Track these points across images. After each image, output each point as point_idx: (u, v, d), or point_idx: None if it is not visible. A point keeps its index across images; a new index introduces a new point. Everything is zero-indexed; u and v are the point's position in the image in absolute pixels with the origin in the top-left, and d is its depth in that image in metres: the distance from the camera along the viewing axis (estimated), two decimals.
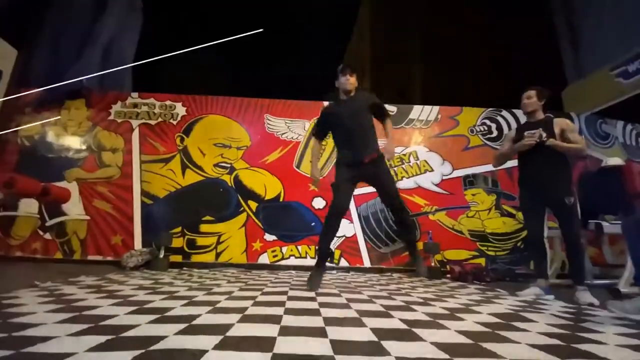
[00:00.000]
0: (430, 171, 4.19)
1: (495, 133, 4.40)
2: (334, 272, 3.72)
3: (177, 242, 3.84)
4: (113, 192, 4.00)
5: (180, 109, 4.34)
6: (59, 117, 4.25)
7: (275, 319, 1.40)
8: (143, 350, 0.98)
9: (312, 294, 2.10)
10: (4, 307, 1.45)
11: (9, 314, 1.34)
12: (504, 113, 4.48)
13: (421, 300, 1.97)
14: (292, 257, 3.86)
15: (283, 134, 4.29)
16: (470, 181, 4.16)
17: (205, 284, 2.42)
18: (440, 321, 1.45)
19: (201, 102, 4.38)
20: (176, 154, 4.16)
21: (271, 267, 3.78)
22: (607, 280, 3.01)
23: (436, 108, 4.47)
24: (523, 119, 4.35)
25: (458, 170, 4.21)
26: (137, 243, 3.85)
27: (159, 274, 3.03)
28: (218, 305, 1.64)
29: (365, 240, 3.94)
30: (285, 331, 1.23)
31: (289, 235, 3.94)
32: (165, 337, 1.11)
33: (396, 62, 12.43)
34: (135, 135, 4.21)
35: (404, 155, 4.24)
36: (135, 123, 4.26)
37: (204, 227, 3.92)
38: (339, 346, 1.09)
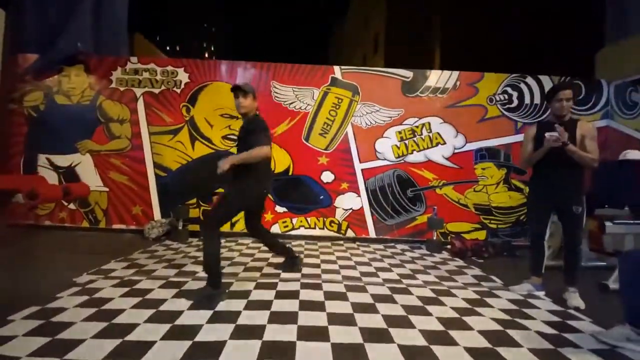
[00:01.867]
0: (442, 144, 4.09)
1: (515, 102, 4.13)
2: (341, 242, 3.96)
3: (194, 213, 4.07)
4: (127, 165, 4.10)
5: (183, 76, 4.13)
6: (60, 84, 4.13)
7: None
8: None
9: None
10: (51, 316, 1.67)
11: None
12: (529, 80, 4.14)
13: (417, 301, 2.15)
14: (302, 228, 4.09)
15: (291, 103, 4.12)
16: (482, 155, 4.08)
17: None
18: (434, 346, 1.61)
19: (204, 67, 4.14)
20: (183, 125, 4.11)
21: (282, 237, 4.03)
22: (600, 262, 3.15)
23: (455, 74, 4.13)
24: (548, 86, 4.08)
25: (471, 143, 4.09)
26: (156, 213, 4.09)
27: (182, 247, 3.31)
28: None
29: (371, 212, 4.09)
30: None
31: (298, 207, 4.09)
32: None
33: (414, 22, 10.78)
34: (141, 105, 4.12)
35: (416, 127, 4.10)
36: (138, 92, 4.12)
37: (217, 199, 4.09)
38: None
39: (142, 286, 2.24)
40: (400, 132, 4.08)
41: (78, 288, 2.14)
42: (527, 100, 4.15)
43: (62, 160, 4.10)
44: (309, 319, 1.80)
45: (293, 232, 4.08)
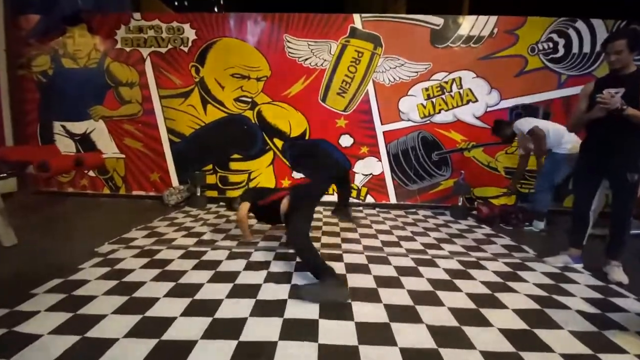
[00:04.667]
0: (473, 102, 3.71)
1: (561, 52, 3.61)
2: (360, 208, 3.84)
3: (211, 179, 4.01)
4: (140, 130, 4.00)
5: (190, 32, 3.82)
6: (66, 46, 3.95)
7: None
8: None
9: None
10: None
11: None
12: (579, 24, 3.57)
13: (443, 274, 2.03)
14: None
15: (306, 59, 3.78)
16: (517, 113, 3.69)
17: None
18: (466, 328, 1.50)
19: (211, 22, 3.80)
20: (193, 87, 3.89)
21: None
22: None
23: (493, 19, 3.61)
24: (602, 33, 3.52)
25: (506, 100, 3.68)
26: (174, 179, 4.07)
27: (201, 213, 3.30)
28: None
29: (392, 177, 3.89)
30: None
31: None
32: None
33: None
34: (148, 67, 3.90)
35: (446, 83, 3.70)
36: (145, 52, 3.88)
37: (233, 165, 3.98)
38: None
39: (162, 256, 2.23)
40: (427, 89, 3.71)
41: (100, 259, 2.15)
42: (575, 48, 3.63)
43: (77, 127, 4.06)
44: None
45: None
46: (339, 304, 1.62)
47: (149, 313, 1.52)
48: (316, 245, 2.49)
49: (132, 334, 1.36)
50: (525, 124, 3.06)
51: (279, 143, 3.92)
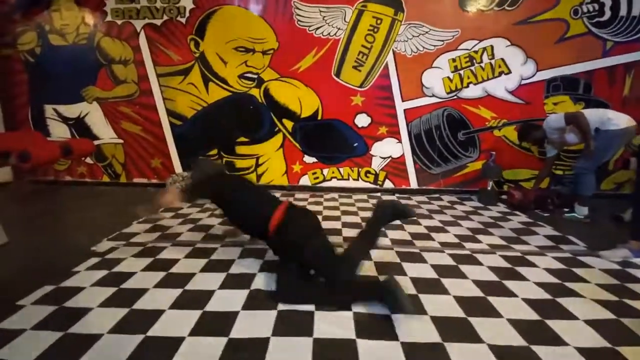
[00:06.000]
0: (506, 74, 3.31)
1: (607, 14, 3.16)
2: (378, 194, 3.55)
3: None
4: (138, 113, 3.69)
5: (186, 0, 3.42)
6: (52, 21, 3.57)
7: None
8: None
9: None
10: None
11: None
12: None
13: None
14: (334, 179, 3.68)
15: (318, 28, 3.38)
16: (556, 86, 3.30)
17: None
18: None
19: None
20: (193, 63, 3.53)
21: (313, 189, 3.67)
22: None
23: None
24: None
25: (543, 71, 3.28)
26: (177, 166, 3.79)
27: (207, 203, 3.04)
28: None
29: (413, 160, 3.57)
30: None
31: (329, 157, 3.63)
32: None
33: None
34: (143, 42, 3.53)
35: (475, 52, 3.30)
36: (138, 25, 3.50)
37: (240, 149, 3.68)
38: None
39: (166, 255, 1.98)
40: (454, 60, 3.31)
41: (97, 259, 1.91)
42: (623, 11, 3.17)
43: (70, 111, 3.75)
44: (365, 303, 1.46)
45: (324, 184, 3.69)
46: (379, 320, 1.36)
47: (152, 332, 1.27)
48: (337, 239, 2.23)
49: (133, 357, 1.12)
50: (556, 118, 2.76)
51: (288, 124, 3.58)
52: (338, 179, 3.67)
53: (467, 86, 3.35)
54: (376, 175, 3.63)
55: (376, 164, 3.60)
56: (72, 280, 1.67)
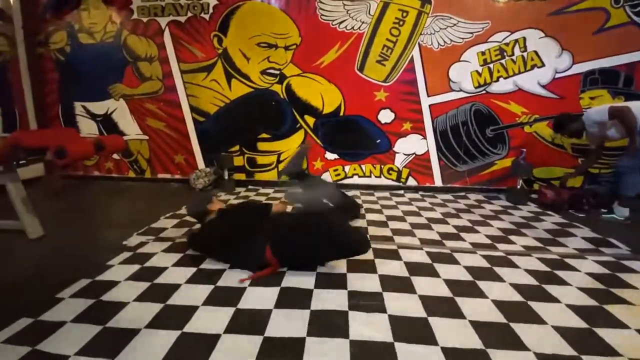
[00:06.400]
0: (539, 67, 3.16)
1: None
2: (401, 192, 3.48)
3: (238, 161, 3.74)
4: (162, 110, 3.74)
5: None
6: (81, 20, 3.66)
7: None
8: None
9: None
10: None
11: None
12: None
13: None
14: (356, 176, 3.63)
15: (341, 22, 3.32)
16: (593, 79, 3.12)
17: None
18: None
19: None
20: (216, 59, 3.54)
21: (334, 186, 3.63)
22: None
23: None
24: None
25: (580, 64, 3.11)
26: (200, 161, 3.83)
27: (230, 198, 3.06)
28: None
29: (438, 157, 3.47)
30: None
31: (351, 153, 3.58)
32: None
33: None
34: (167, 39, 3.57)
35: (506, 45, 3.16)
36: (163, 22, 3.54)
37: (262, 146, 3.68)
38: None
39: (195, 251, 2.00)
40: (483, 53, 3.19)
41: (129, 253, 1.94)
42: None
43: (98, 108, 3.85)
44: (400, 306, 1.42)
45: (345, 181, 3.65)
46: (415, 323, 1.32)
47: (187, 328, 1.27)
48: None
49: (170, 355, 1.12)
50: (598, 110, 2.61)
51: (310, 120, 3.55)
52: (360, 176, 3.62)
53: (497, 80, 3.22)
54: (399, 172, 3.56)
55: (399, 161, 3.52)
56: (106, 274, 1.70)
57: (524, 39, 3.12)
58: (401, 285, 1.58)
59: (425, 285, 1.59)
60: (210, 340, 1.20)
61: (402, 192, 3.48)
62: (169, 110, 3.73)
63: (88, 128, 3.86)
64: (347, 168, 3.62)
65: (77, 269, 1.73)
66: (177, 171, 3.89)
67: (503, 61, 3.18)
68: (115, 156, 3.91)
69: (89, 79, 3.76)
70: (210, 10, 3.45)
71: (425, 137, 3.43)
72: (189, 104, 3.69)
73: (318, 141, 3.58)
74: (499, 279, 1.67)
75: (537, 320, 1.33)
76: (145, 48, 3.64)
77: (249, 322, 1.30)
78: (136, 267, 1.78)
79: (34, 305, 1.40)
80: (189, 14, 3.49)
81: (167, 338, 1.21)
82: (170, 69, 3.64)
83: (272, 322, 1.30)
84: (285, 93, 3.52)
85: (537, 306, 1.43)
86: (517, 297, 1.50)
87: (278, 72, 3.48)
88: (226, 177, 3.62)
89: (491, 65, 3.20)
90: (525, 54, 3.14)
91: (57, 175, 3.97)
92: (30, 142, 1.96)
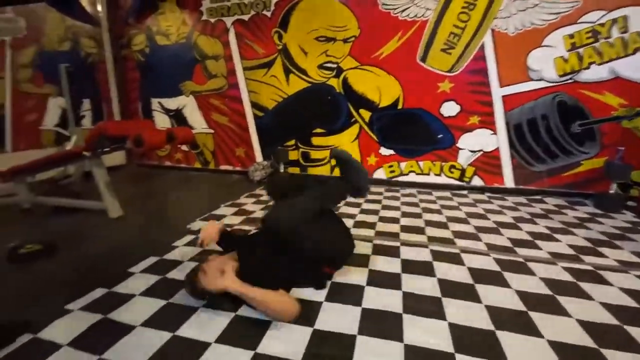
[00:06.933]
0: None
1: None
2: (465, 192, 3.20)
3: (293, 155, 3.81)
4: (226, 105, 3.97)
5: None
6: (158, 23, 4.05)
7: None
8: None
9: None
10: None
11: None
12: None
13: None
14: (412, 174, 3.43)
15: (404, 10, 3.15)
16: None
17: None
18: None
19: None
20: (276, 55, 3.63)
21: (388, 183, 3.49)
22: None
23: None
24: None
25: None
26: (258, 155, 3.99)
27: None
28: None
29: (511, 155, 3.11)
30: None
31: (408, 149, 3.39)
32: None
33: None
34: (232, 37, 3.76)
35: (601, 25, 2.69)
36: (228, 22, 3.73)
37: (315, 140, 3.69)
38: None
39: None
40: (571, 37, 2.76)
41: (192, 236, 2.08)
42: None
43: (171, 103, 4.23)
44: (461, 314, 1.28)
45: (400, 179, 3.48)
46: (478, 334, 1.17)
47: (241, 311, 1.31)
48: (421, 237, 2.05)
49: (225, 340, 1.15)
50: None
51: (365, 115, 3.45)
52: (417, 174, 3.42)
53: (588, 67, 2.76)
54: (463, 170, 3.27)
55: (463, 158, 3.24)
56: (172, 254, 1.84)
57: (625, 17, 2.61)
58: (464, 292, 1.43)
59: (492, 295, 1.42)
60: (264, 325, 1.21)
61: (465, 192, 3.20)
62: (232, 106, 3.94)
63: (162, 122, 4.27)
64: (402, 165, 3.45)
65: (148, 247, 1.90)
66: (238, 163, 4.10)
67: (597, 45, 2.71)
68: (184, 148, 4.27)
69: (164, 77, 4.14)
70: (272, 7, 3.54)
71: (495, 132, 3.10)
72: (249, 100, 3.85)
73: (373, 136, 3.47)
74: (585, 295, 1.42)
75: (636, 348, 1.09)
76: (212, 47, 3.88)
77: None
78: (198, 249, 1.90)
79: (109, 277, 1.56)
80: (252, 12, 3.62)
81: (225, 317, 1.26)
82: (234, 67, 3.83)
83: (322, 315, 1.27)
84: (341, 86, 3.47)
85: (636, 332, 1.17)
86: (610, 320, 1.26)
87: (335, 65, 3.44)
88: (282, 171, 3.71)
89: (581, 50, 2.75)
90: (626, 35, 2.64)
91: (134, 164, 4.47)
92: (113, 131, 2.20)
